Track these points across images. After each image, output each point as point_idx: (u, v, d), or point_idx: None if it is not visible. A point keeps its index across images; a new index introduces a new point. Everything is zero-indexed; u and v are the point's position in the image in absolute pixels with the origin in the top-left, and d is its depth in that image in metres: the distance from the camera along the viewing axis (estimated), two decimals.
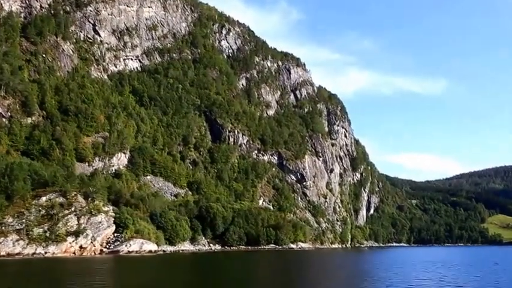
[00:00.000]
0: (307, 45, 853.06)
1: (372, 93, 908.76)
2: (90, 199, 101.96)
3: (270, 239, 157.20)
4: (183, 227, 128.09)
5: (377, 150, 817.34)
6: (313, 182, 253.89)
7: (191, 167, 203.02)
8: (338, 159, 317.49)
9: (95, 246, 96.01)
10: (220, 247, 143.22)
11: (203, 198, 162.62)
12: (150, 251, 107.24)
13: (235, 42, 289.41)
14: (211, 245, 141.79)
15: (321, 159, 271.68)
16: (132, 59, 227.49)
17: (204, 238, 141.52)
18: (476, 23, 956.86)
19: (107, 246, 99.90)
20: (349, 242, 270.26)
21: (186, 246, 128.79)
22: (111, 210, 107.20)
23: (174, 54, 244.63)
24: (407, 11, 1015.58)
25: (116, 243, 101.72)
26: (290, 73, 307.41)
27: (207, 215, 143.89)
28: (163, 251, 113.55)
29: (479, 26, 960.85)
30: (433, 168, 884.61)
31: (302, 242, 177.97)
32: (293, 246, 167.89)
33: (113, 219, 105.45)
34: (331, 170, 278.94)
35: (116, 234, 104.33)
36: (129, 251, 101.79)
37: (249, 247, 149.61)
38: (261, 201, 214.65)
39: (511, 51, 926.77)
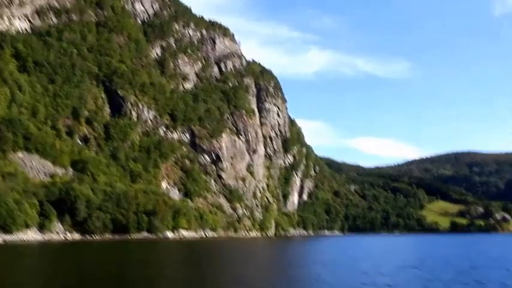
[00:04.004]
0: (265, 21, 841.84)
1: (333, 74, 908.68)
2: None
3: (141, 226, 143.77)
4: (25, 213, 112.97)
5: (335, 133, 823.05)
6: (231, 164, 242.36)
7: (81, 144, 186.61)
8: (268, 139, 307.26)
9: None
10: (80, 236, 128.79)
11: (75, 178, 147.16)
12: None
13: (152, 6, 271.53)
14: (68, 233, 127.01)
15: (242, 138, 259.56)
16: (19, 18, 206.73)
17: (61, 226, 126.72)
18: (444, 7, 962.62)
19: None
20: (272, 230, 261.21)
21: (30, 236, 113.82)
22: None
23: (73, 16, 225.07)
24: None
25: None
26: (215, 44, 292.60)
27: (68, 199, 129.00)
28: None
29: (447, 9, 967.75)
30: (391, 153, 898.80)
31: (185, 229, 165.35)
32: (170, 234, 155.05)
33: None
34: (254, 151, 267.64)
35: None
36: None
37: (117, 236, 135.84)
38: (164, 184, 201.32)
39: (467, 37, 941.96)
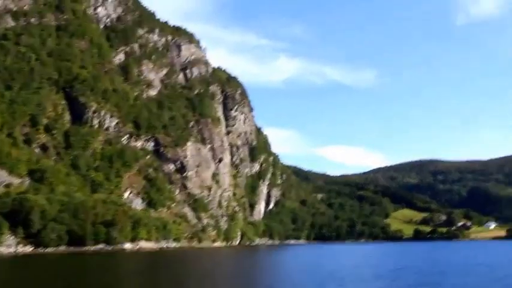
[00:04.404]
0: (233, 28, 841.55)
1: (302, 82, 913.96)
2: None
3: (99, 237, 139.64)
4: None
5: (303, 141, 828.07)
6: (196, 173, 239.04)
7: (39, 153, 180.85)
8: (234, 148, 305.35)
9: None
10: (33, 248, 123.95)
11: (31, 188, 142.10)
12: None
13: (115, 11, 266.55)
14: (20, 246, 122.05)
15: (208, 147, 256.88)
16: None
17: (14, 238, 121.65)
18: (408, 16, 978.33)
19: None
20: (238, 240, 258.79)
21: None
22: None
23: (32, 19, 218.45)
24: None
25: None
26: (180, 50, 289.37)
27: (21, 210, 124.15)
28: None
29: (412, 18, 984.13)
30: (357, 161, 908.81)
31: (145, 240, 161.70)
32: (128, 246, 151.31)
33: None
34: (220, 160, 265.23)
35: None
36: None
37: (73, 248, 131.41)
38: (127, 194, 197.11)
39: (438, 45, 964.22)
